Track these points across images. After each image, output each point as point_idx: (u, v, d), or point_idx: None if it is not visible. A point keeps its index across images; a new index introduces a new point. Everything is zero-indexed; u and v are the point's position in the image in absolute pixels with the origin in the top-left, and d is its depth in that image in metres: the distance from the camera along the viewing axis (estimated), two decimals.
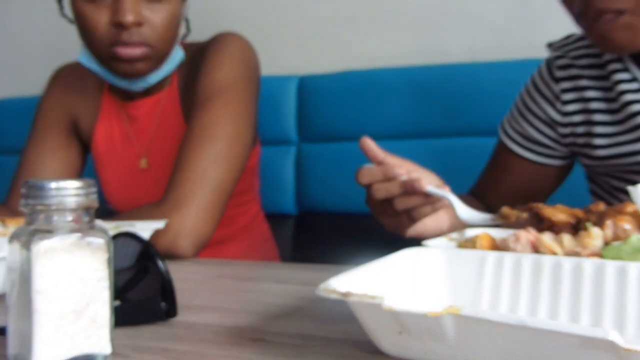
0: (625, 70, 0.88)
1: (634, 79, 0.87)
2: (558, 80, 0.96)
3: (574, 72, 0.95)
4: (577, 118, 0.94)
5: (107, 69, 1.07)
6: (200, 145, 1.00)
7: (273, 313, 0.58)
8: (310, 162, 1.50)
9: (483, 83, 1.31)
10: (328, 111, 1.48)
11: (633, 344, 0.33)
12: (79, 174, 1.22)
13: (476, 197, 1.04)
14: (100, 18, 1.00)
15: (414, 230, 0.80)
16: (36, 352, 0.41)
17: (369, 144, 0.77)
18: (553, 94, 0.96)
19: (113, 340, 0.45)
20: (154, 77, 1.10)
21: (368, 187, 0.76)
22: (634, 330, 0.43)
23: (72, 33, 1.10)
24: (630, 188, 0.55)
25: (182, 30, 1.12)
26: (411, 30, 1.52)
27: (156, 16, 1.02)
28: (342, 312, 0.48)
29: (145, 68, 1.05)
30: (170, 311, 0.55)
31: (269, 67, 1.29)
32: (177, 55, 1.11)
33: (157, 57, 1.06)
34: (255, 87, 1.13)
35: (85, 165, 1.24)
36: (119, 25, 0.99)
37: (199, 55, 1.12)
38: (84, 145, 1.23)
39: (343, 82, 1.48)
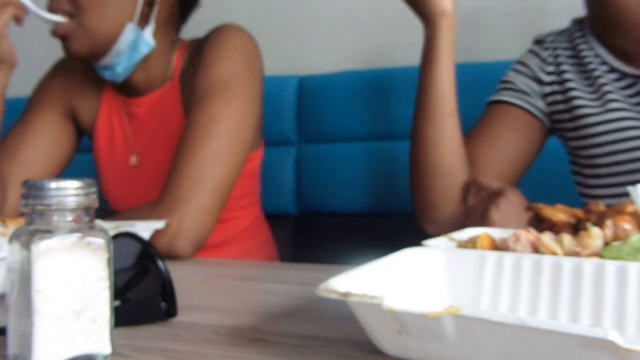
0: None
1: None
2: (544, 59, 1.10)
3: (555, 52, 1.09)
4: (556, 87, 1.07)
5: None
6: (197, 144, 0.98)
7: (273, 313, 0.58)
8: (310, 162, 1.50)
9: (483, 83, 1.31)
10: (328, 111, 1.48)
11: (633, 344, 0.33)
12: (67, 159, 1.21)
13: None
14: None
15: None
16: (36, 352, 0.41)
17: None
18: (541, 59, 1.10)
19: (113, 340, 0.45)
20: (119, 66, 1.07)
21: None
22: (634, 330, 0.43)
23: None
24: (630, 188, 0.55)
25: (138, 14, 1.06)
26: (411, 30, 1.52)
27: None
28: (342, 312, 0.48)
29: (78, 47, 1.03)
30: (170, 311, 0.55)
31: (269, 67, 1.29)
32: (142, 42, 1.06)
33: (89, 36, 1.03)
34: (257, 81, 1.09)
35: (76, 153, 1.23)
36: None
37: (198, 49, 1.11)
38: (80, 135, 1.22)
39: (343, 82, 1.48)
